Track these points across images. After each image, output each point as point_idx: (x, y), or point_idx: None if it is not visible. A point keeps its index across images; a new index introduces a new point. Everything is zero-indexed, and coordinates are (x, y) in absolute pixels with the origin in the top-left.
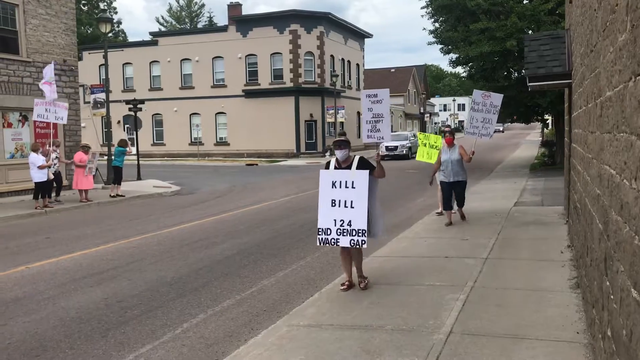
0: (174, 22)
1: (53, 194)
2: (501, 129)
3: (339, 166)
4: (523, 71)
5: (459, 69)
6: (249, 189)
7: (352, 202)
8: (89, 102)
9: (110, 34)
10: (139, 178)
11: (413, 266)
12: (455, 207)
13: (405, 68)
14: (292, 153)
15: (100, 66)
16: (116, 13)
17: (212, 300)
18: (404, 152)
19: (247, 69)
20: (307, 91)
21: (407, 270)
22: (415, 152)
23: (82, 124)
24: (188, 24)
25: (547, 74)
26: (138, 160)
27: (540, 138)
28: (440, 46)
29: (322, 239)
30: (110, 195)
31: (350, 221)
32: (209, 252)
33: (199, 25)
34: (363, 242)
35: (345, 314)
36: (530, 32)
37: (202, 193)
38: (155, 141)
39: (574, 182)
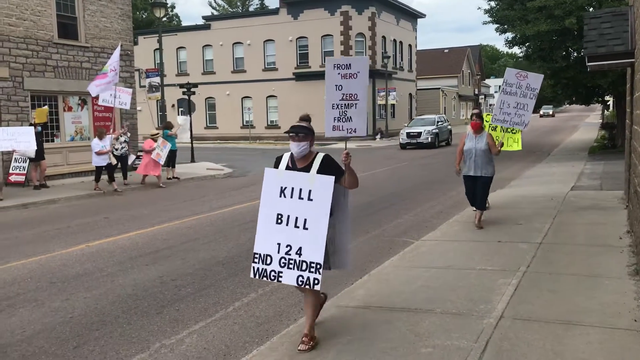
0: (226, 6)
1: (118, 176)
2: (550, 112)
3: (293, 166)
4: (582, 51)
5: (515, 49)
6: None
7: (305, 221)
8: (144, 86)
9: (164, 19)
10: (192, 160)
11: (465, 250)
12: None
13: (459, 48)
14: None
15: (154, 50)
16: None
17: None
18: (429, 139)
19: (298, 52)
20: None
21: (458, 254)
22: (444, 140)
23: (138, 108)
24: (240, 8)
25: (607, 53)
26: (192, 143)
27: (600, 120)
28: (496, 26)
29: (258, 269)
30: (167, 178)
31: (300, 248)
32: None
33: (251, 9)
34: (316, 281)
35: (395, 296)
36: (591, 9)
37: (253, 175)
38: (208, 124)
39: (635, 166)
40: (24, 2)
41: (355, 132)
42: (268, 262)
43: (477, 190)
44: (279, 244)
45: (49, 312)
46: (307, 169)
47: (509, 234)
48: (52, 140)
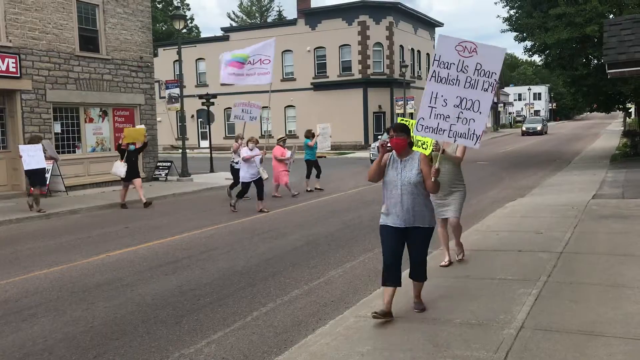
0: (244, 17)
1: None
2: (538, 127)
3: None
4: (602, 58)
5: (535, 57)
6: None
7: None
8: (164, 97)
9: (184, 30)
10: (212, 170)
11: (484, 260)
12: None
13: None
14: (361, 145)
15: (174, 62)
16: (189, 9)
17: (281, 290)
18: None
19: (316, 62)
20: (376, 82)
21: (478, 264)
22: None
23: (158, 119)
24: (258, 19)
25: (628, 60)
26: (211, 153)
27: (622, 128)
28: (515, 34)
29: None
30: (315, 188)
31: None
32: (279, 242)
33: (269, 20)
34: None
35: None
36: (611, 16)
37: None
38: (227, 134)
39: None
40: (47, 16)
41: None
42: None
43: (412, 250)
44: None
45: (70, 321)
46: None
47: (530, 243)
48: (74, 151)
